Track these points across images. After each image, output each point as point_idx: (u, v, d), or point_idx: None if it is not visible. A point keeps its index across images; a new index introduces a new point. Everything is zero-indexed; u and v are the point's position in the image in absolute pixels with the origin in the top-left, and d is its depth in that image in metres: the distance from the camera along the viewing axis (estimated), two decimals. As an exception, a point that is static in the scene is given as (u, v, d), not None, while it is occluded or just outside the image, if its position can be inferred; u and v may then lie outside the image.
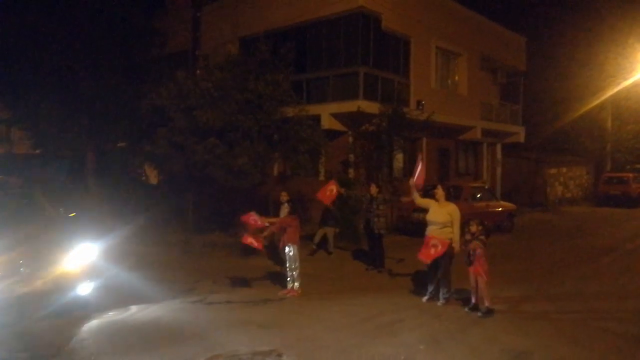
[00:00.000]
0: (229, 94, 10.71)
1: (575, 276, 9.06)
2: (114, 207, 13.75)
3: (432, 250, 6.79)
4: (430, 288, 7.19)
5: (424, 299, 7.19)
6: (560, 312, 6.79)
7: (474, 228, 6.55)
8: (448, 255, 6.89)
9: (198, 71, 12.44)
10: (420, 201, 7.37)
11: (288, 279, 7.55)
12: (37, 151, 15.17)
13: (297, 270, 7.49)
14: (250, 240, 7.53)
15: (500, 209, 14.37)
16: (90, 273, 6.37)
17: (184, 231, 12.10)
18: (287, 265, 7.54)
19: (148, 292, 7.29)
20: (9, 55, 12.49)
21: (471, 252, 6.50)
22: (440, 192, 7.16)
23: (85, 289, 6.33)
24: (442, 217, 6.95)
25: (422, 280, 7.79)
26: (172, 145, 10.92)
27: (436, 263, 7.00)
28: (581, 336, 5.80)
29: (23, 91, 12.94)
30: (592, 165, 26.31)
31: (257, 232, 7.78)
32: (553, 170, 23.11)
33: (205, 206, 13.25)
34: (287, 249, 7.51)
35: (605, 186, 22.91)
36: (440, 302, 6.97)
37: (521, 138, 21.70)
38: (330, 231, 10.67)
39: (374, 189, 9.18)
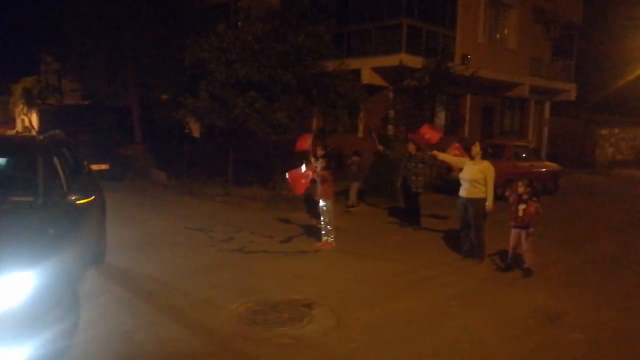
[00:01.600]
0: (269, 46, 10.62)
1: (619, 240, 8.81)
2: (158, 158, 14.24)
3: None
4: (464, 247, 7.17)
5: (458, 257, 7.20)
6: (600, 277, 6.65)
7: (521, 189, 6.41)
8: (481, 214, 6.80)
9: (239, 23, 12.35)
10: (455, 160, 7.23)
11: (322, 232, 7.70)
12: (86, 102, 15.74)
13: (331, 224, 7.61)
14: (296, 178, 7.52)
15: (544, 170, 13.95)
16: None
17: (224, 183, 12.43)
18: (322, 219, 7.67)
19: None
20: (57, 9, 12.79)
21: (523, 213, 6.35)
22: (476, 149, 6.99)
23: None
24: (473, 174, 6.82)
25: (457, 239, 7.77)
26: (213, 98, 11.03)
27: (468, 221, 6.94)
28: (619, 302, 5.70)
29: (71, 44, 13.31)
30: (648, 127, 24.85)
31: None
32: (604, 131, 22.01)
33: (245, 159, 13.51)
34: (321, 203, 7.61)
35: (661, 149, 21.69)
36: (474, 261, 6.96)
37: (572, 96, 20.65)
38: (354, 186, 10.66)
39: (412, 147, 9.03)
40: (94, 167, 13.17)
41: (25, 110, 23.06)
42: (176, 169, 13.97)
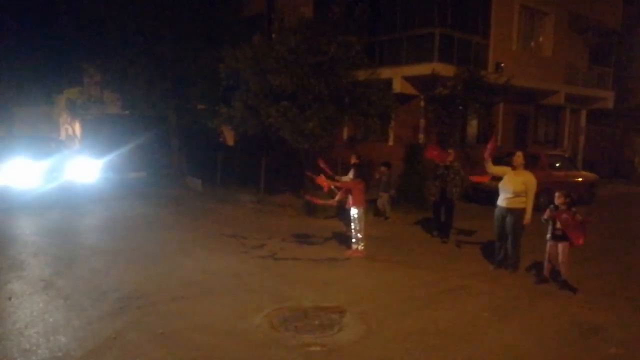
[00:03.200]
0: (302, 57, 10.78)
1: (660, 254, 8.49)
2: (193, 166, 14.57)
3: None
4: (498, 257, 7.07)
5: (491, 267, 7.10)
6: (639, 290, 6.44)
7: (560, 200, 6.29)
8: (519, 224, 6.70)
9: (273, 35, 12.59)
10: (495, 169, 7.12)
11: (353, 240, 7.73)
12: (127, 112, 16.30)
13: (362, 232, 7.63)
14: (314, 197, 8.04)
15: (580, 179, 13.59)
16: None
17: (256, 191, 12.62)
18: (352, 226, 7.71)
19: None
20: (99, 22, 13.35)
21: (562, 223, 6.22)
22: (519, 159, 6.84)
23: None
24: (516, 185, 6.71)
25: (490, 250, 7.67)
26: (247, 108, 11.26)
27: (505, 232, 6.84)
28: (660, 316, 5.52)
29: (112, 56, 13.85)
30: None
31: (327, 196, 8.08)
32: (645, 140, 21.22)
33: (277, 167, 13.69)
34: (352, 211, 7.66)
35: None
36: (507, 272, 6.85)
37: (610, 104, 20.01)
38: (384, 197, 10.65)
39: (451, 156, 8.87)
40: (133, 174, 13.71)
41: (68, 120, 24.04)
42: (210, 176, 14.28)
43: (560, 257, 6.28)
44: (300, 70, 10.65)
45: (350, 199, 7.65)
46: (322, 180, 7.67)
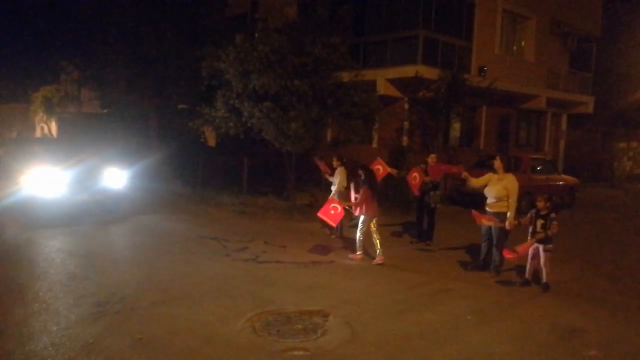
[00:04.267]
0: (286, 57, 10.71)
1: (637, 256, 8.65)
2: (173, 167, 14.34)
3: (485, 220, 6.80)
4: (481, 259, 7.10)
5: (473, 269, 7.12)
6: (618, 293, 6.54)
7: (541, 204, 6.32)
8: (503, 228, 6.73)
9: (256, 34, 12.49)
10: (478, 182, 7.12)
11: (378, 249, 7.55)
12: (105, 111, 16.00)
13: (360, 239, 7.54)
14: (328, 214, 7.59)
15: (561, 183, 13.79)
16: None
17: (238, 192, 12.48)
18: (358, 233, 7.58)
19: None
20: (79, 18, 13.07)
21: (541, 230, 6.29)
22: (497, 163, 6.91)
23: None
24: (497, 191, 6.75)
25: (473, 253, 7.70)
26: (230, 108, 11.14)
27: (490, 235, 6.88)
28: (637, 317, 5.62)
29: (91, 53, 13.58)
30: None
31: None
32: (622, 144, 21.72)
33: (260, 169, 13.57)
34: (361, 217, 7.51)
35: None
36: (490, 274, 6.88)
37: (590, 109, 20.41)
38: None
39: (433, 160, 8.68)
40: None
41: (44, 118, 23.52)
42: (191, 177, 14.10)
43: (542, 260, 6.34)
44: (284, 71, 10.58)
45: (358, 207, 7.46)
46: (336, 202, 7.61)
